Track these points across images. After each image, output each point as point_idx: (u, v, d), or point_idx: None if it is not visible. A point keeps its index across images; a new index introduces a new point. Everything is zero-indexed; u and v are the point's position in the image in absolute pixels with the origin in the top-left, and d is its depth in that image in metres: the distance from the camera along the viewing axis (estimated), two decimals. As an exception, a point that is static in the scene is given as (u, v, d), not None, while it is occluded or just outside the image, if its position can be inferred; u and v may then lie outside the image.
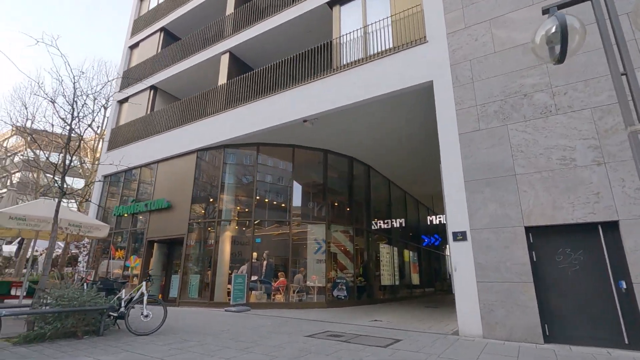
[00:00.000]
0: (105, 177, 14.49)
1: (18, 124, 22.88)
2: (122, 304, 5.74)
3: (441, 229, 20.43)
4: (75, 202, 22.15)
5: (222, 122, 11.07)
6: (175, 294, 10.94)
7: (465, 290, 5.96)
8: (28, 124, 23.04)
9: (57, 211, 5.51)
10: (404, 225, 15.81)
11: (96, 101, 23.36)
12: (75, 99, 5.72)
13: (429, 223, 18.05)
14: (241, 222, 11.05)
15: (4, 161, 32.63)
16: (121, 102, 15.69)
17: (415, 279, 17.36)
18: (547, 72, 6.16)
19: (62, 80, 5.91)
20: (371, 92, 8.22)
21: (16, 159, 29.97)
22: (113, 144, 14.66)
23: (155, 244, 12.06)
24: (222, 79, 11.77)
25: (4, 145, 33.15)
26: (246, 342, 5.04)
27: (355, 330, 6.19)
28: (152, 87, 14.41)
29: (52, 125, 22.57)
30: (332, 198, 11.67)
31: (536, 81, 6.23)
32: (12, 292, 7.30)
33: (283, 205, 11.24)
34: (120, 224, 13.25)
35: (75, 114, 5.76)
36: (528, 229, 5.73)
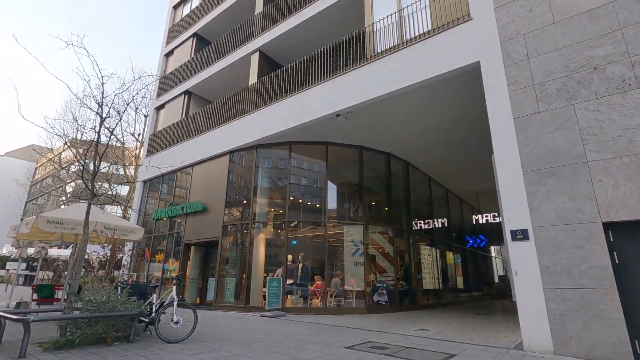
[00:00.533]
0: (144, 182, 14.86)
1: (70, 137, 24.49)
2: (153, 309, 5.53)
3: (487, 229, 19.04)
4: (121, 208, 23.24)
5: (253, 121, 10.85)
6: (212, 297, 10.83)
7: (529, 298, 5.13)
8: (78, 135, 24.58)
9: (87, 213, 5.42)
10: (446, 225, 14.80)
11: (138, 110, 24.46)
12: (103, 100, 5.63)
13: (474, 223, 16.79)
14: (275, 223, 10.73)
15: (60, 172, 35.03)
16: (158, 108, 16.09)
17: (459, 282, 16.20)
18: (622, 39, 5.20)
19: (90, 80, 5.84)
20: (408, 79, 7.56)
21: (70, 169, 32.09)
22: (152, 150, 15.01)
23: (192, 246, 12.08)
24: (253, 79, 11.57)
25: (60, 157, 35.47)
26: (279, 353, 4.59)
27: (401, 341, 5.55)
28: (186, 92, 14.60)
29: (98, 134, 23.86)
30: (369, 197, 11.04)
31: (609, 51, 5.28)
32: (56, 295, 7.45)
33: (318, 205, 10.79)
34: (160, 228, 13.47)
35: (104, 115, 5.66)
36: (607, 225, 4.81)
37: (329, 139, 10.54)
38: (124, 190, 29.45)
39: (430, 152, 11.48)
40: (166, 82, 16.04)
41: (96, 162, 5.50)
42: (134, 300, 5.32)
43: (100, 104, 5.66)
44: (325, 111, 8.97)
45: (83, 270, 7.17)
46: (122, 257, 11.64)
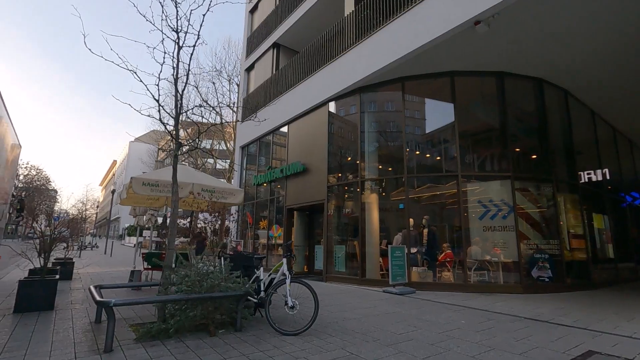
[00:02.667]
0: (242, 147, 14.39)
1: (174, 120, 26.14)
2: (262, 287, 4.28)
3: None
4: (224, 177, 24.19)
5: (354, 59, 8.89)
6: (321, 265, 9.72)
7: None
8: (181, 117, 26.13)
9: (174, 168, 4.31)
10: (607, 177, 10.94)
11: (231, 81, 24.60)
12: (178, 23, 4.32)
13: (657, 172, 12.32)
14: (390, 181, 8.87)
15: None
16: (248, 70, 15.26)
17: (610, 251, 12.20)
18: None
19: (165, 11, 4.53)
20: None
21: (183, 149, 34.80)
22: (246, 113, 14.34)
23: (295, 212, 11.07)
24: (349, 7, 9.47)
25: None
26: (456, 370, 2.81)
27: (650, 354, 3.27)
28: (275, 45, 13.27)
29: (201, 108, 24.88)
30: (514, 143, 8.25)
31: None
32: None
33: (438, 158, 8.54)
34: (261, 194, 12.86)
35: (181, 43, 4.37)
36: None
37: (454, 67, 8.00)
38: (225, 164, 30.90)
39: (605, 70, 8.02)
40: (253, 40, 15.01)
41: (178, 102, 4.29)
42: (237, 275, 4.11)
43: (176, 29, 4.36)
44: (455, 22, 6.48)
45: (185, 238, 6.40)
46: (230, 223, 11.26)
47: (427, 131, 8.70)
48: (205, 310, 3.68)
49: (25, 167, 44.59)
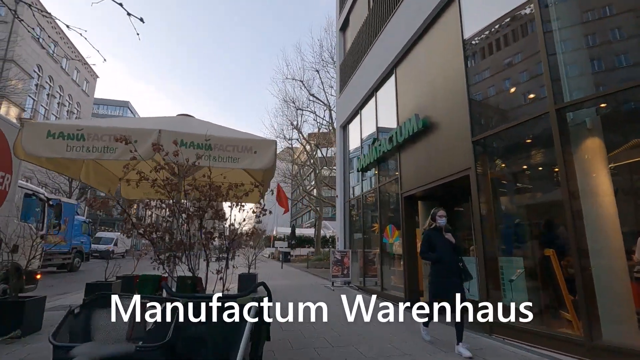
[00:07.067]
0: (342, 127, 10.87)
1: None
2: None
3: None
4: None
5: None
6: (476, 293, 5.21)
7: None
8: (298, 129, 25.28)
9: None
10: None
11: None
12: None
13: None
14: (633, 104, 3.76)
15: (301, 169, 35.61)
16: (343, 28, 11.81)
17: None
18: None
19: None
20: None
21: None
22: (344, 80, 10.88)
23: (418, 201, 6.80)
24: None
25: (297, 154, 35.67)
26: None
27: None
28: (369, -26, 9.46)
29: (315, 114, 23.06)
30: None
31: None
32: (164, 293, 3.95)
33: None
34: (369, 182, 9.01)
35: None
36: None
37: None
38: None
39: None
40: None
41: None
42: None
43: None
44: None
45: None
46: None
47: None
48: None
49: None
